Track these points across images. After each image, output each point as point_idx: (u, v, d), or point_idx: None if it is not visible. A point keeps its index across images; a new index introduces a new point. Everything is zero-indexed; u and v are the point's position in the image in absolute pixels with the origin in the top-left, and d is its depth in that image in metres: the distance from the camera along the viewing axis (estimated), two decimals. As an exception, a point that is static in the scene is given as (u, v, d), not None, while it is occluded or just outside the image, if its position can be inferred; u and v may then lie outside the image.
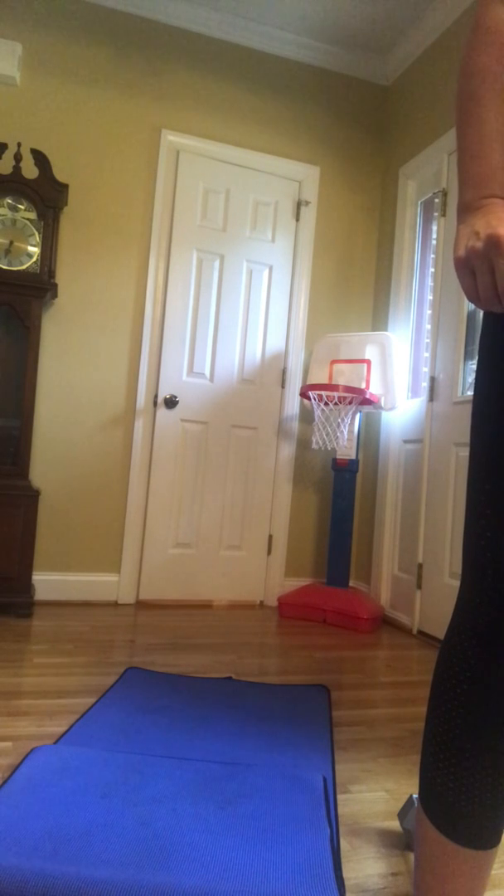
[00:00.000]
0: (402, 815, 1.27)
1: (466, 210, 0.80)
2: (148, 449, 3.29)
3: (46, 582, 3.11)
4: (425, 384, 3.16)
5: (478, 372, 0.88)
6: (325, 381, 3.31)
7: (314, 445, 3.17)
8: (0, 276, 2.80)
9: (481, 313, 1.00)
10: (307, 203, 3.55)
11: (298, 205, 3.55)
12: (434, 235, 3.31)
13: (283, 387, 3.52)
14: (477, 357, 0.93)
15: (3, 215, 2.87)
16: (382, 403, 3.17)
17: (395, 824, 1.33)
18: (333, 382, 3.28)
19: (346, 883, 1.12)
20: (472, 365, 2.90)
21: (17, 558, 2.77)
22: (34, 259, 2.90)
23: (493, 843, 0.82)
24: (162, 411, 3.29)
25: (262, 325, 3.48)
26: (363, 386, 3.19)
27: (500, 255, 0.73)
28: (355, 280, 3.69)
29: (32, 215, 2.91)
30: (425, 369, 3.26)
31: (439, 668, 0.86)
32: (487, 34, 0.82)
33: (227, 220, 3.41)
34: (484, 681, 0.80)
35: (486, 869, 0.82)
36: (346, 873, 1.15)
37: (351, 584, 3.64)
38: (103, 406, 3.22)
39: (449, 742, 0.81)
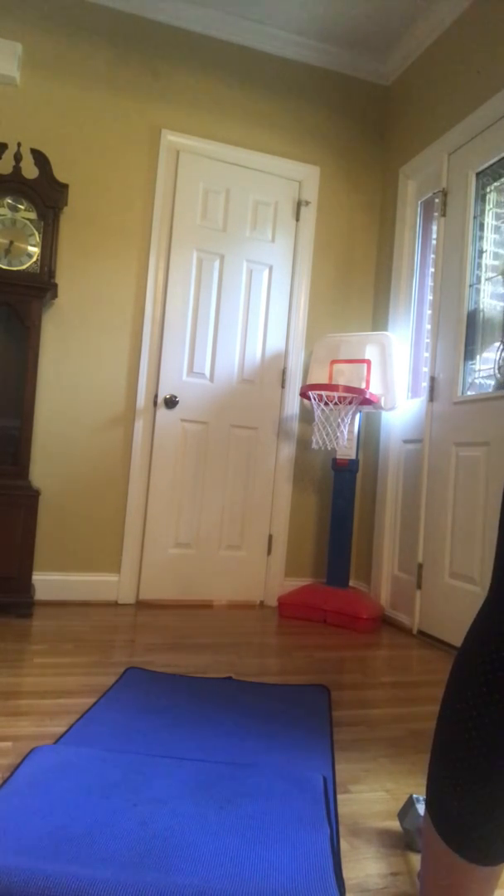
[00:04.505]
0: (402, 815, 1.27)
1: None
2: (148, 449, 3.29)
3: (46, 582, 3.11)
4: (425, 384, 3.16)
5: None
6: (325, 381, 3.31)
7: (314, 445, 3.17)
8: (0, 276, 2.81)
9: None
10: (307, 203, 3.55)
11: (298, 205, 3.55)
12: (434, 235, 3.31)
13: (283, 387, 3.52)
14: None
15: (3, 215, 2.87)
16: (382, 403, 3.17)
17: (395, 824, 1.34)
18: (333, 382, 3.27)
19: (346, 883, 1.12)
20: (472, 365, 2.90)
21: (17, 558, 2.77)
22: (34, 259, 2.90)
23: (501, 859, 0.81)
24: (162, 411, 3.29)
25: (261, 325, 3.48)
26: (363, 386, 3.19)
27: None
28: (355, 280, 3.69)
29: (32, 215, 2.91)
30: (425, 369, 3.26)
31: (453, 681, 0.83)
32: None
33: (227, 220, 3.41)
34: (499, 698, 0.78)
35: (492, 883, 0.82)
36: (346, 873, 1.15)
37: (351, 584, 3.64)
38: (103, 406, 3.22)
39: (459, 760, 0.80)
